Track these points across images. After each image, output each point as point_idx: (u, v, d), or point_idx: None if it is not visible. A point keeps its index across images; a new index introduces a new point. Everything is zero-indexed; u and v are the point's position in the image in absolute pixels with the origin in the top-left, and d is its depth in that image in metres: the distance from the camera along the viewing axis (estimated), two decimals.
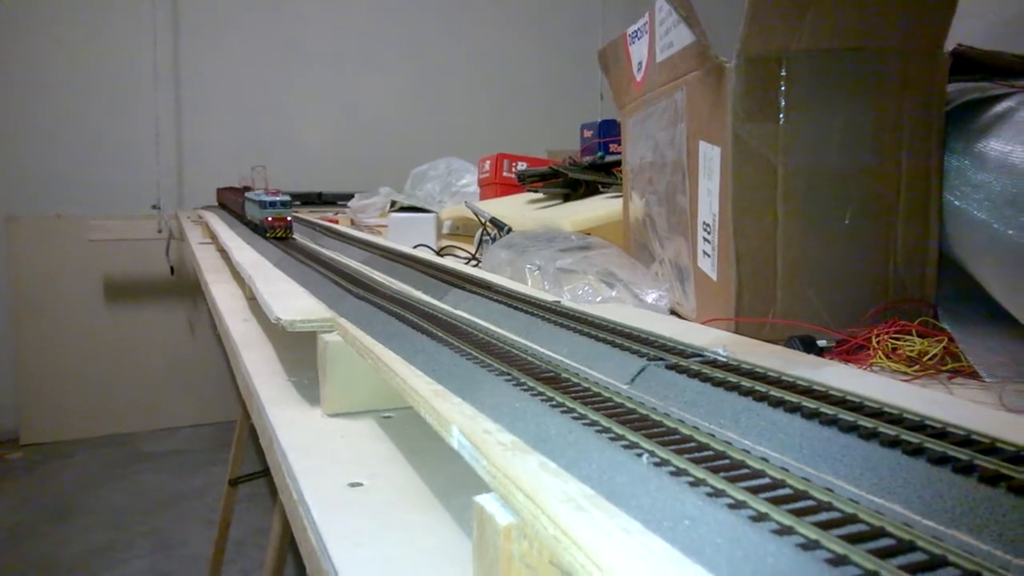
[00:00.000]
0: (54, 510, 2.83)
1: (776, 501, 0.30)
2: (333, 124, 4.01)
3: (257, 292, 0.86)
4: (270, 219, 1.33)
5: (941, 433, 0.36)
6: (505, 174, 2.28)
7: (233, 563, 2.40)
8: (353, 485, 0.52)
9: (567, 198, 1.73)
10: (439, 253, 1.57)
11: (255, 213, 1.44)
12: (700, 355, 0.52)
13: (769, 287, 0.84)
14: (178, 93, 3.74)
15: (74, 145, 3.56)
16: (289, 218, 1.35)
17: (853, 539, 0.27)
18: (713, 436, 0.37)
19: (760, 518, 0.29)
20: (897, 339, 0.76)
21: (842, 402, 0.40)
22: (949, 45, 0.84)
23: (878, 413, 0.38)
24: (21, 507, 2.87)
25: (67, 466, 3.25)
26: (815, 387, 0.43)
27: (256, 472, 2.14)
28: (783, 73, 0.81)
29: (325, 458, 0.57)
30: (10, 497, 2.96)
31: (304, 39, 3.96)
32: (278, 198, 1.36)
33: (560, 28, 4.37)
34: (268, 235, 1.32)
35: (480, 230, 1.56)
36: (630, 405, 0.42)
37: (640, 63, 1.10)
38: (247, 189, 2.78)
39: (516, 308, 0.70)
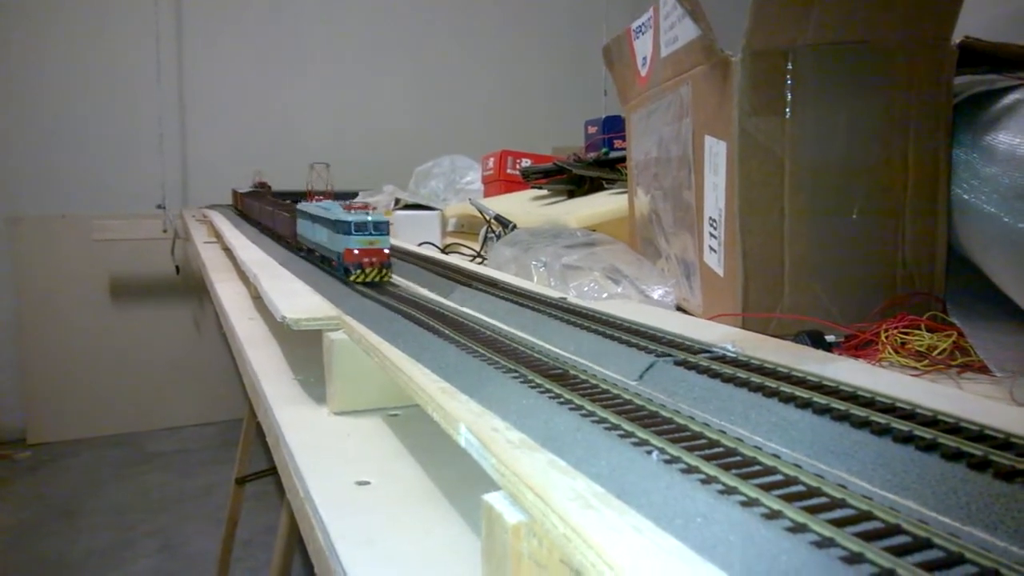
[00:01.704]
0: (60, 509, 2.84)
1: (789, 498, 0.29)
2: (337, 122, 4.01)
3: (262, 291, 0.86)
4: (358, 252, 0.81)
5: (954, 428, 0.35)
6: (509, 171, 2.28)
7: (240, 562, 2.40)
8: (360, 483, 0.51)
9: (571, 195, 1.73)
10: (444, 251, 1.57)
11: (325, 239, 0.91)
12: (709, 351, 0.52)
13: (776, 282, 0.84)
14: (181, 91, 3.74)
15: (77, 144, 3.57)
16: (387, 250, 0.84)
17: (868, 536, 0.26)
18: (723, 433, 0.37)
19: (773, 516, 0.28)
20: (906, 334, 0.75)
21: (853, 398, 0.40)
22: (956, 38, 0.84)
23: (890, 409, 0.38)
24: (27, 507, 2.88)
25: (73, 466, 3.26)
26: (825, 383, 0.43)
27: (263, 470, 2.14)
28: (789, 67, 0.80)
29: (332, 456, 0.57)
30: (16, 497, 2.97)
31: (308, 36, 3.96)
32: (369, 216, 0.83)
33: (563, 24, 4.36)
34: (355, 278, 0.82)
35: (485, 227, 1.56)
36: (639, 402, 0.42)
37: (645, 58, 1.10)
38: (263, 186, 2.71)
39: (522, 305, 0.70)
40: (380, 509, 0.48)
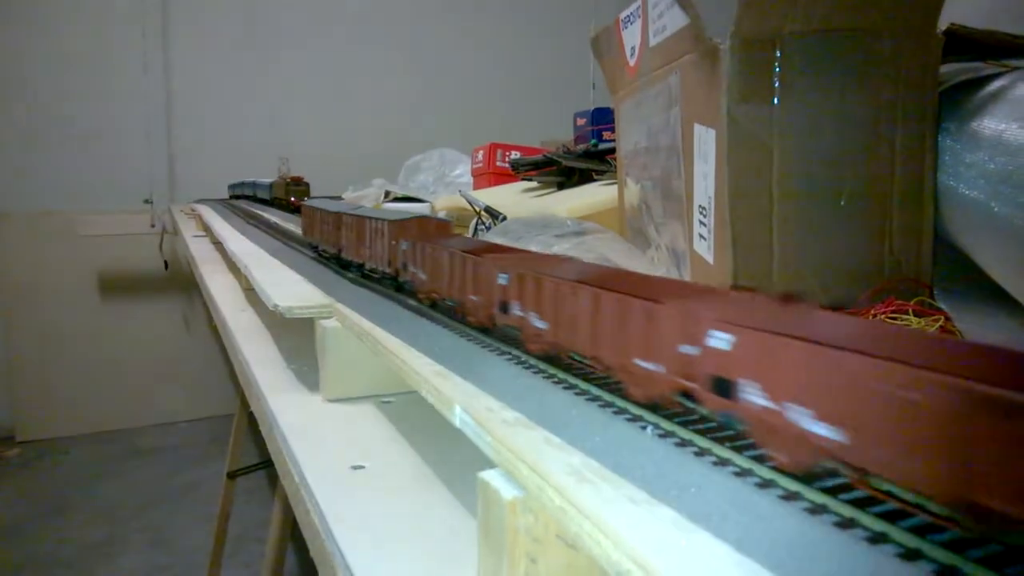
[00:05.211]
0: (51, 506, 2.83)
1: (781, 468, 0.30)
2: (326, 116, 3.99)
3: (254, 280, 0.86)
4: None
5: None
6: (499, 164, 2.27)
7: (232, 557, 2.39)
8: (356, 467, 0.52)
9: (561, 186, 1.73)
10: None
11: None
12: None
13: (765, 270, 0.84)
14: (168, 84, 3.71)
15: (62, 139, 3.53)
16: None
17: (860, 503, 0.27)
18: None
19: (766, 484, 0.29)
20: (894, 319, 0.76)
21: None
22: (942, 25, 0.84)
23: None
24: (17, 504, 2.86)
25: (63, 462, 3.24)
26: None
27: (255, 464, 2.13)
28: (778, 55, 0.80)
29: (326, 442, 0.57)
30: (7, 494, 2.95)
31: (297, 30, 3.94)
32: None
33: (552, 15, 4.36)
34: None
35: (475, 219, 1.56)
36: None
37: (633, 48, 1.10)
38: (298, 181, 2.44)
39: None
40: (376, 492, 0.48)
